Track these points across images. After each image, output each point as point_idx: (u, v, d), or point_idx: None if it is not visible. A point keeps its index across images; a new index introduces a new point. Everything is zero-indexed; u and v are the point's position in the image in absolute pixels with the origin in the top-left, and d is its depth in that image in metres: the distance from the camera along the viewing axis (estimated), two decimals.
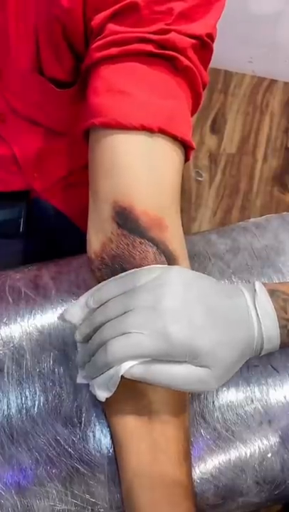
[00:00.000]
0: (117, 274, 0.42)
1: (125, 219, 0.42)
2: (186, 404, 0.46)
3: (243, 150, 1.47)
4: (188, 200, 1.39)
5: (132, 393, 0.43)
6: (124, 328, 0.37)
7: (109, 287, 0.40)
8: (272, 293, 0.40)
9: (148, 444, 0.42)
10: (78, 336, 0.41)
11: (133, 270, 0.41)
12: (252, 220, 0.61)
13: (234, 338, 0.38)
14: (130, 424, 0.43)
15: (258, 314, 0.39)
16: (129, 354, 0.37)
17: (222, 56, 1.50)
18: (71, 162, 0.64)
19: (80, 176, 0.63)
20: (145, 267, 0.41)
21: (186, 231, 0.49)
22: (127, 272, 0.41)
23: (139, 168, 0.43)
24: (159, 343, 0.37)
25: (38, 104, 0.54)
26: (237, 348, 0.38)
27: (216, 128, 1.51)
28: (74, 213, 0.67)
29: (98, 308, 0.40)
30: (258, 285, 0.40)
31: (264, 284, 0.41)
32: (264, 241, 0.57)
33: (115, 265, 0.42)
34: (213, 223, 1.36)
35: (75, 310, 0.41)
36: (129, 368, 0.38)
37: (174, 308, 0.37)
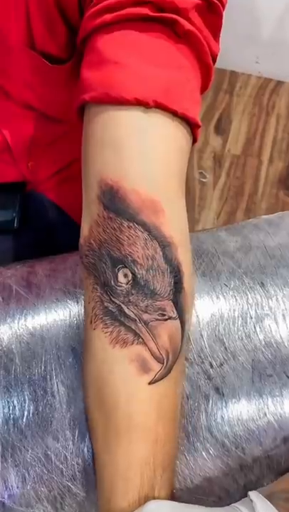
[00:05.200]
0: (104, 261, 0.37)
1: (112, 199, 0.37)
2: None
3: (248, 151, 1.44)
4: (191, 202, 1.35)
5: None
6: None
7: None
8: (272, 496, 0.35)
9: None
10: None
11: None
12: (264, 216, 0.57)
13: None
14: None
15: None
16: None
17: (228, 56, 1.48)
18: (68, 153, 0.60)
19: (77, 169, 0.59)
20: None
21: (189, 232, 0.44)
22: None
23: (131, 144, 0.38)
24: None
25: (29, 83, 0.49)
26: None
27: (221, 128, 1.48)
28: (71, 207, 0.63)
29: None
30: (253, 495, 0.35)
31: (259, 491, 0.36)
32: (278, 239, 0.53)
33: (102, 251, 0.38)
34: (216, 225, 1.33)
35: None
36: None
37: None
